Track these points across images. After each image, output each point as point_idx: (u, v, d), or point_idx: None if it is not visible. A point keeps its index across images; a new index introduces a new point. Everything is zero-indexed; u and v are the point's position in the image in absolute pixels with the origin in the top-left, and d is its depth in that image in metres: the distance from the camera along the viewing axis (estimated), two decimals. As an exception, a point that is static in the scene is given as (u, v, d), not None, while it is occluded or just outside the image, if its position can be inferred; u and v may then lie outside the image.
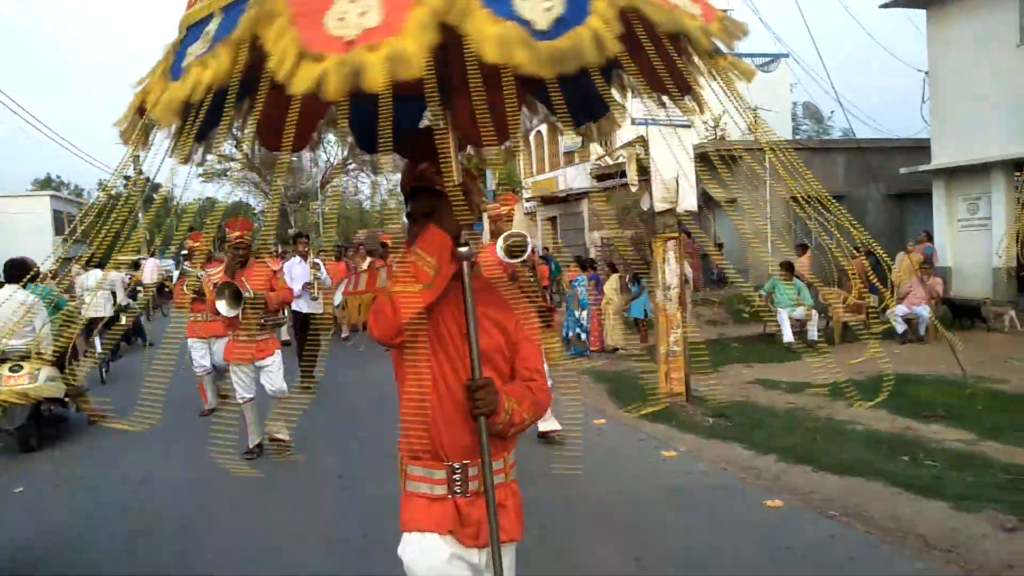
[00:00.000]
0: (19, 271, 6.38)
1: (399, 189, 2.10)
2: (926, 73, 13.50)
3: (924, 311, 10.95)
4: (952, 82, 12.67)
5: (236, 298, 5.53)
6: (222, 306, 5.50)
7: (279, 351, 6.05)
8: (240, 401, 5.93)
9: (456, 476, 1.94)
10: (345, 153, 47.19)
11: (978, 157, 12.04)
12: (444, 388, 1.94)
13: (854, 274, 12.63)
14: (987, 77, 11.94)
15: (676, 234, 7.34)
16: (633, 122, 7.34)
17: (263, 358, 5.87)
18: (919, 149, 15.70)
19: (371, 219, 49.53)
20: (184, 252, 12.19)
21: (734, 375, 9.54)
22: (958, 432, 6.41)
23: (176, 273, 7.46)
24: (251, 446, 6.03)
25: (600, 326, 11.80)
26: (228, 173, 48.86)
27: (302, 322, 9.39)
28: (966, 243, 12.80)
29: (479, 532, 1.94)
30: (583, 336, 11.51)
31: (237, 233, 5.86)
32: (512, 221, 5.87)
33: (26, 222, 34.57)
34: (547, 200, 23.26)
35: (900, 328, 11.12)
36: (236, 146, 45.55)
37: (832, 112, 20.55)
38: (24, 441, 6.32)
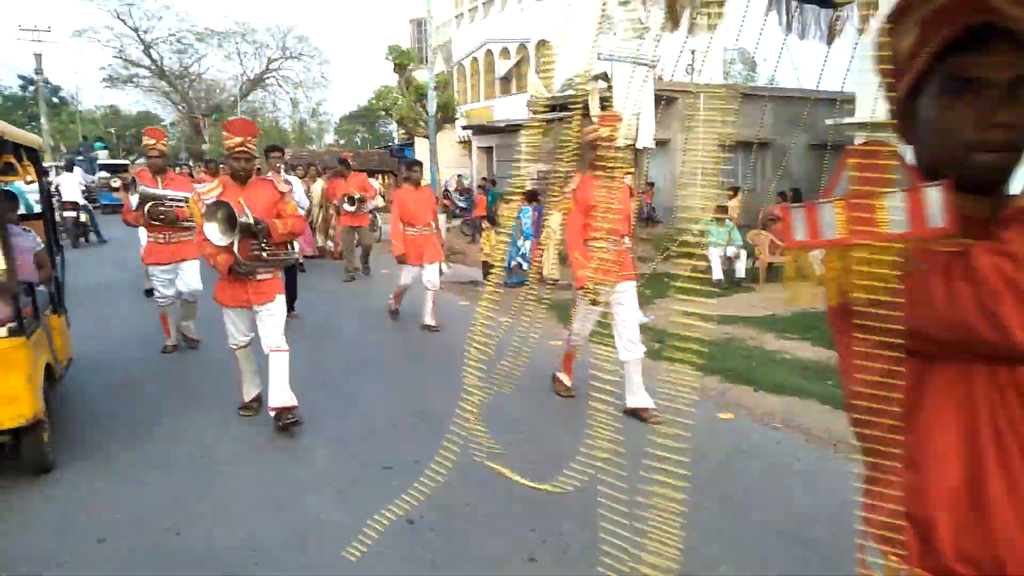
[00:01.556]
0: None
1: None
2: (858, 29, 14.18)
3: (841, 255, 11.83)
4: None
5: (231, 223, 4.35)
6: (213, 231, 4.35)
7: (282, 296, 4.88)
8: (233, 346, 4.95)
9: None
10: (263, 67, 45.45)
11: (898, 114, 12.88)
12: (994, 450, 1.08)
13: (779, 218, 13.45)
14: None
15: (633, 169, 7.74)
16: (597, 57, 7.63)
17: (263, 303, 4.72)
18: (843, 102, 16.58)
19: (288, 137, 48.27)
20: (121, 162, 11.78)
21: (666, 307, 10.19)
22: (873, 362, 7.21)
23: (134, 197, 6.28)
24: (247, 399, 5.09)
25: (539, 257, 12.21)
26: (135, 80, 46.47)
27: None
28: (881, 195, 13.77)
29: None
30: (524, 266, 11.90)
31: (238, 139, 4.56)
32: (615, 146, 5.13)
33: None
34: (483, 130, 23.25)
35: (819, 270, 12.00)
36: (145, 51, 43.36)
37: (765, 59, 21.16)
38: None
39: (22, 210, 6.51)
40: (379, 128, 53.78)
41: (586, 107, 8.72)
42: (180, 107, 47.31)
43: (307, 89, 48.44)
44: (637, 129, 7.48)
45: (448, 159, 24.29)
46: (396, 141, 35.96)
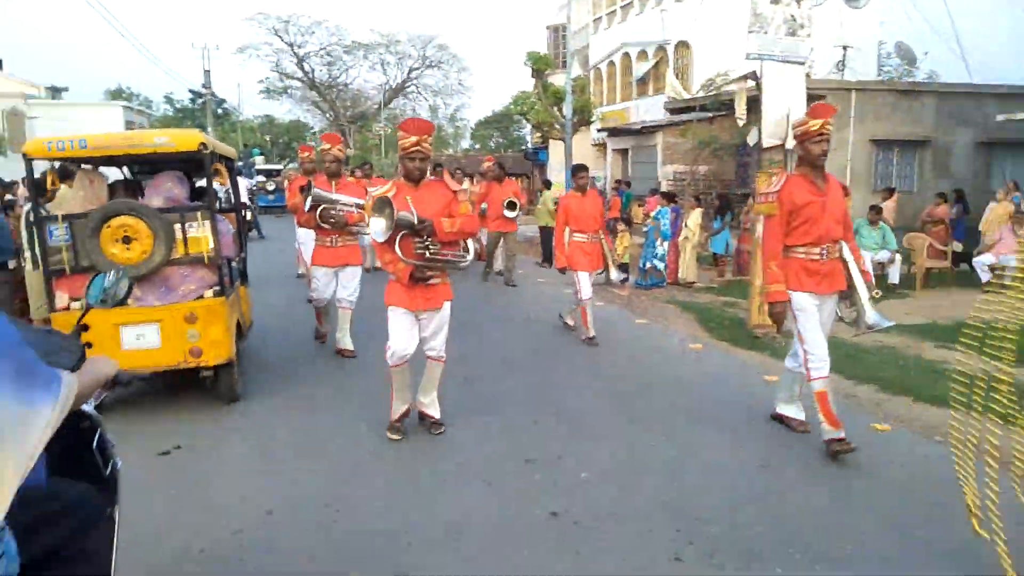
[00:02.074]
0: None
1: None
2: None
3: (1012, 261, 10.87)
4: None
5: (394, 218, 4.25)
6: (377, 226, 4.25)
7: (449, 303, 4.68)
8: (392, 363, 4.57)
9: None
10: (404, 75, 47.28)
11: (1083, 106, 11.70)
12: None
13: (939, 220, 12.56)
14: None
15: (779, 171, 7.45)
16: (747, 56, 7.41)
17: (431, 308, 4.56)
18: (1012, 96, 15.21)
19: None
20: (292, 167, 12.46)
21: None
22: (1050, 377, 6.58)
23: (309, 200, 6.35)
24: (395, 417, 4.72)
25: (676, 259, 11.97)
26: (289, 91, 49.65)
27: None
28: (1059, 195, 12.53)
29: None
30: (660, 267, 11.71)
31: (414, 138, 4.32)
32: (828, 141, 4.44)
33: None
34: (618, 132, 23.12)
35: (984, 277, 11.08)
36: (298, 64, 46.20)
37: (926, 53, 19.72)
38: None
39: None
40: (513, 132, 54.65)
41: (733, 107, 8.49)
42: (328, 115, 49.99)
43: (445, 96, 49.88)
44: (787, 129, 7.20)
45: (581, 161, 24.33)
46: (530, 145, 36.39)
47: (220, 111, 52.48)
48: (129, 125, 39.53)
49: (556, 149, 25.52)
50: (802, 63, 7.43)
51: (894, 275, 11.13)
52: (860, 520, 3.61)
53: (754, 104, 7.91)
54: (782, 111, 7.24)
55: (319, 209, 6.33)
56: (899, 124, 15.78)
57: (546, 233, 14.02)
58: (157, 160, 5.58)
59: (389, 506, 3.74)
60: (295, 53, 45.96)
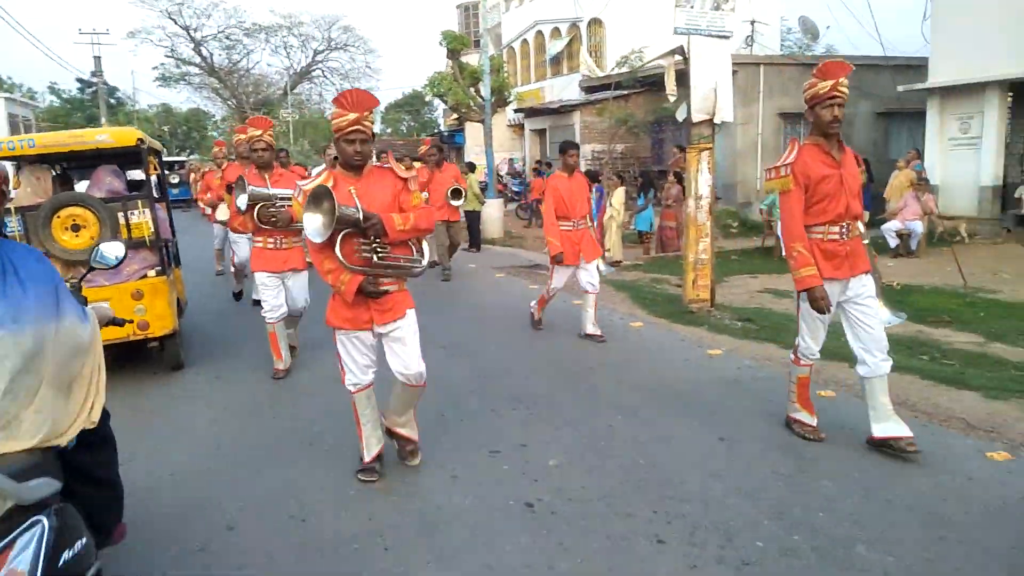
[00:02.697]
0: None
1: None
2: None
3: (917, 226, 11.49)
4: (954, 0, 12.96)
5: (334, 214, 3.38)
6: (312, 224, 3.42)
7: (413, 312, 3.85)
8: (351, 388, 3.87)
9: None
10: (309, 59, 45.89)
11: (975, 76, 12.41)
12: None
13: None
14: (988, -4, 12.21)
15: (711, 145, 7.58)
16: (675, 31, 7.48)
17: (388, 321, 3.74)
18: (909, 67, 16.03)
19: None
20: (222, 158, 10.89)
21: (742, 285, 10.01)
22: (965, 335, 6.98)
23: (242, 198, 5.58)
24: (368, 459, 3.96)
25: (601, 238, 12.07)
26: (187, 78, 47.33)
27: None
28: (955, 162, 13.31)
29: None
30: (588, 247, 11.75)
31: (353, 116, 3.46)
32: (841, 105, 4.07)
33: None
34: (534, 112, 23.11)
35: (892, 243, 11.67)
36: (195, 49, 44.12)
37: (828, 27, 20.51)
38: None
39: None
40: (424, 115, 53.99)
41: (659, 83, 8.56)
42: (229, 103, 48.04)
43: (353, 80, 48.66)
44: (715, 104, 7.31)
45: (498, 143, 24.24)
46: (443, 127, 36.01)
47: (113, 101, 49.60)
48: (12, 118, 36.89)
49: (473, 131, 25.34)
50: (728, 37, 7.55)
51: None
52: (824, 484, 3.72)
53: (680, 79, 8.00)
54: (709, 85, 7.35)
55: (256, 208, 5.59)
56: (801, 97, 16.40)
57: (472, 217, 13.87)
58: (93, 156, 6.04)
59: (356, 509, 3.60)
60: (191, 37, 43.85)
